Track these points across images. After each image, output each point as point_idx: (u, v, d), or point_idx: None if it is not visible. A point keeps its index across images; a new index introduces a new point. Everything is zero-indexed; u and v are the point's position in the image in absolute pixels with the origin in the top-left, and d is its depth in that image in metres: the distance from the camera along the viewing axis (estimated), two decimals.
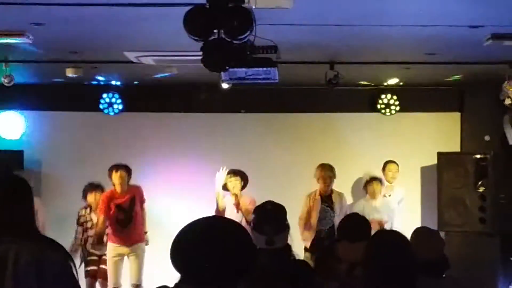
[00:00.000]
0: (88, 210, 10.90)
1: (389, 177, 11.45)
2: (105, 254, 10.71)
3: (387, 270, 4.14)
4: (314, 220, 10.44)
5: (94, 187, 10.85)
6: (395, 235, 4.37)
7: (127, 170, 10.43)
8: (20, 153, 11.32)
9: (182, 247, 2.94)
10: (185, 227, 3.03)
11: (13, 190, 3.98)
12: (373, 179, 11.19)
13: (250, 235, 3.07)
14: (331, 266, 5.14)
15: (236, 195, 10.13)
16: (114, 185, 10.40)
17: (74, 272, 3.84)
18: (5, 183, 4.10)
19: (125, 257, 10.60)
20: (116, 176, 10.33)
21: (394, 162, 11.49)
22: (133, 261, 10.55)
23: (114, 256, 10.49)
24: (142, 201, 10.62)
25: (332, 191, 10.65)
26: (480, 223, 10.63)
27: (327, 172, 10.57)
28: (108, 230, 10.51)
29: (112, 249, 10.52)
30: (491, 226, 10.53)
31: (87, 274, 10.79)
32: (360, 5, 6.39)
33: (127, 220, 10.40)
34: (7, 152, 11.41)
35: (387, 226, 10.54)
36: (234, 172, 10.21)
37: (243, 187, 10.24)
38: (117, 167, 10.38)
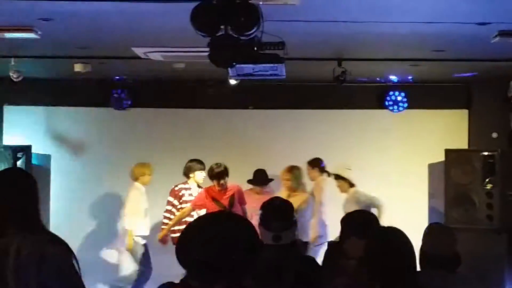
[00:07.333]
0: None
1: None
2: None
3: (386, 268, 4.15)
4: None
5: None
6: (395, 233, 4.37)
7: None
8: (28, 148, 11.31)
9: (187, 243, 2.94)
10: (190, 223, 3.05)
11: (17, 183, 4.00)
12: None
13: (256, 231, 3.07)
14: (339, 263, 5.14)
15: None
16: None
17: (76, 267, 3.84)
18: (9, 177, 4.12)
19: None
20: (221, 182, 10.05)
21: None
22: None
23: None
24: (241, 202, 10.28)
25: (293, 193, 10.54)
26: (487, 220, 10.57)
27: (283, 175, 10.59)
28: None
29: None
30: (498, 223, 10.47)
31: None
32: (367, 1, 6.40)
33: None
34: (15, 146, 11.41)
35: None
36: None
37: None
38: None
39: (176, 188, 10.62)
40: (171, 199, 10.60)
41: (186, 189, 10.60)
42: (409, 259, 4.23)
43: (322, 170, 11.00)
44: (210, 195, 10.07)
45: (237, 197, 10.18)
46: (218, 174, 9.99)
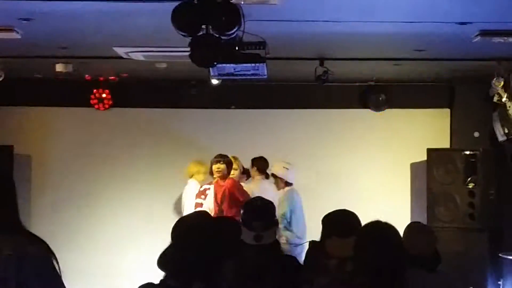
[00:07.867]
0: None
1: None
2: None
3: (376, 264, 4.14)
4: None
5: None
6: (386, 228, 4.36)
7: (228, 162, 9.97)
8: (10, 148, 11.25)
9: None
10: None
11: None
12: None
13: (235, 230, 3.08)
14: (321, 262, 5.13)
15: None
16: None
17: (57, 268, 3.81)
18: None
19: None
20: (215, 167, 9.91)
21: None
22: None
23: None
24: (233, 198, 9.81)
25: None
26: (469, 219, 10.65)
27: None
28: None
29: None
30: (480, 222, 10.55)
31: None
32: (348, 1, 6.40)
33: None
34: None
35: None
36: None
37: None
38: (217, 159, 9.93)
39: (201, 189, 10.56)
40: (200, 200, 10.40)
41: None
42: (398, 256, 4.23)
43: (261, 171, 10.90)
44: (215, 188, 10.09)
45: (228, 194, 9.88)
46: (213, 163, 9.93)
